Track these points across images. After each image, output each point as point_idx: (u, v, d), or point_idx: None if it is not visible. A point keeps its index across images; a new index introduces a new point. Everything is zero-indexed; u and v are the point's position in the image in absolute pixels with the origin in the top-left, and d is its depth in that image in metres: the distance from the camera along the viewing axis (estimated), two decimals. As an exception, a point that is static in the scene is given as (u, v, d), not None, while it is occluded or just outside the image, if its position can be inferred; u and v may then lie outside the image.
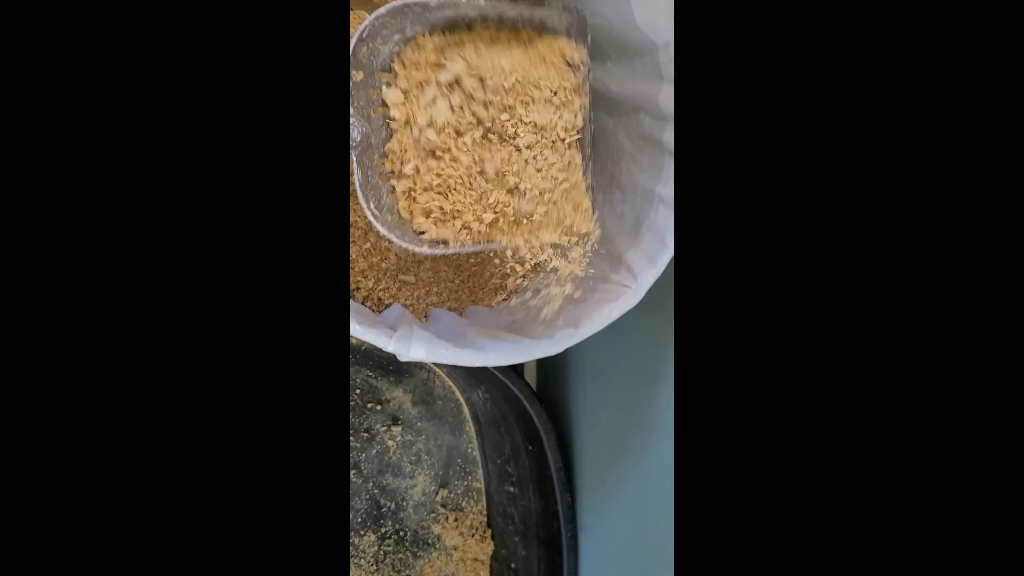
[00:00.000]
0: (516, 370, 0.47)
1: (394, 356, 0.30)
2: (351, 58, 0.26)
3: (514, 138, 0.28)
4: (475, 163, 0.27)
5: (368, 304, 0.38)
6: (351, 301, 0.36)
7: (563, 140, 0.29)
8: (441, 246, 0.27)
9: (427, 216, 0.27)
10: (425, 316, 0.40)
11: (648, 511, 0.40)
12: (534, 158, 0.28)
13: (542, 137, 0.28)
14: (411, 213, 0.27)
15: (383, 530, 0.53)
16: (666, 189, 0.35)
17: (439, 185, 0.27)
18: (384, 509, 0.53)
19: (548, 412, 0.47)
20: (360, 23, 0.37)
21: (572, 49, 0.28)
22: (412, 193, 0.27)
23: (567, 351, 0.33)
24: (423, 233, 0.28)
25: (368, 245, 0.38)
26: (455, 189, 0.27)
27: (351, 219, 0.37)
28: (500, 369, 0.44)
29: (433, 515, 0.54)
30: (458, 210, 0.28)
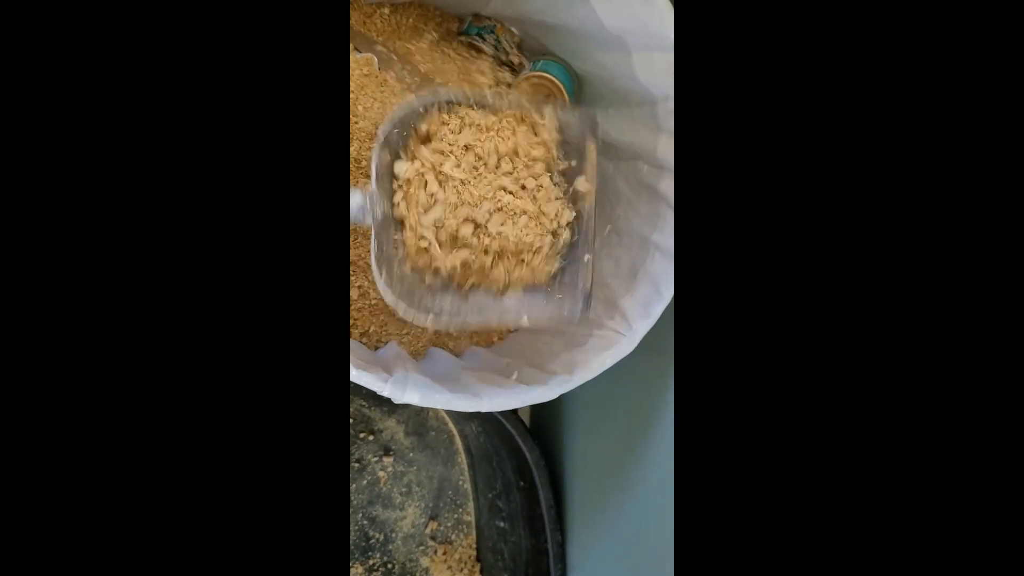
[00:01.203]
0: (510, 406, 0.47)
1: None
2: (383, 141, 0.28)
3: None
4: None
5: (363, 341, 0.38)
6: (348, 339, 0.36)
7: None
8: (446, 314, 0.30)
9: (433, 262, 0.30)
10: (421, 354, 0.40)
11: (638, 552, 0.40)
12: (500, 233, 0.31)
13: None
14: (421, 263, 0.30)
15: (371, 562, 0.53)
16: (662, 238, 0.36)
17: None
18: (373, 540, 0.53)
19: (541, 449, 0.47)
20: (366, 67, 0.37)
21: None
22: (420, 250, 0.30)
23: (561, 390, 0.34)
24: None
25: (366, 283, 0.38)
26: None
27: (352, 257, 0.37)
28: (494, 407, 0.44)
29: (422, 548, 0.53)
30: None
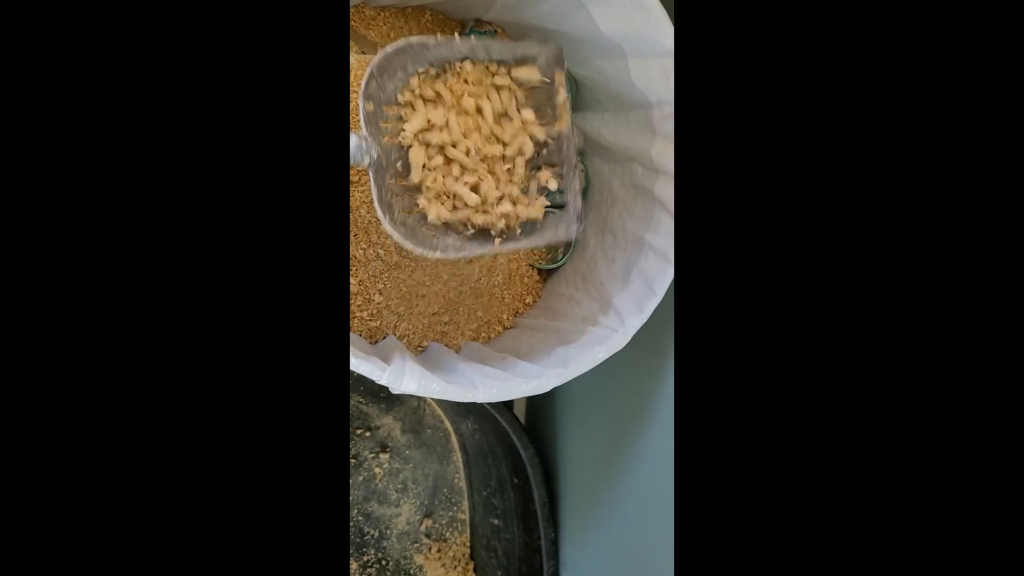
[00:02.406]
0: (506, 403, 0.48)
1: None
2: (364, 91, 0.30)
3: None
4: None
5: (363, 334, 0.39)
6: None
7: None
8: (451, 249, 0.32)
9: (442, 204, 0.33)
10: (419, 349, 0.41)
11: (630, 549, 0.41)
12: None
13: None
14: (431, 208, 0.32)
15: (365, 558, 0.53)
16: (656, 238, 0.37)
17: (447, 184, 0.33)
18: (367, 537, 0.53)
19: (535, 446, 0.48)
20: (368, 65, 0.38)
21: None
22: (429, 195, 0.32)
23: (556, 387, 0.34)
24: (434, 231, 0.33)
25: (366, 276, 0.39)
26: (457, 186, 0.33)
27: (351, 253, 0.38)
28: (489, 402, 0.45)
29: (416, 545, 0.54)
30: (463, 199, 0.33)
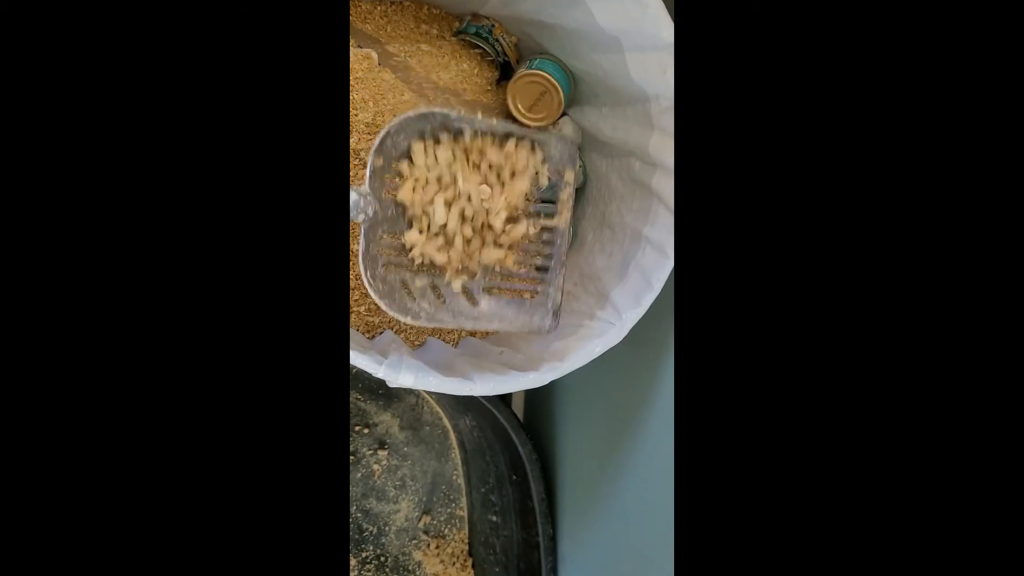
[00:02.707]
0: (504, 400, 0.48)
1: (384, 380, 0.31)
2: (377, 146, 0.30)
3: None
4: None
5: (360, 330, 0.39)
6: (345, 326, 0.37)
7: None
8: (423, 316, 0.32)
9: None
10: (416, 344, 0.41)
11: (627, 544, 0.41)
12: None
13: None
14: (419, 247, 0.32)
15: (364, 555, 0.53)
16: (653, 232, 0.37)
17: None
18: (366, 533, 0.53)
19: (533, 442, 0.48)
20: (365, 61, 0.38)
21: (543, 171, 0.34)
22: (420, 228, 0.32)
23: (554, 383, 0.34)
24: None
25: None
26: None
27: (349, 248, 0.38)
28: (488, 398, 0.45)
29: (415, 541, 0.54)
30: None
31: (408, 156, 0.31)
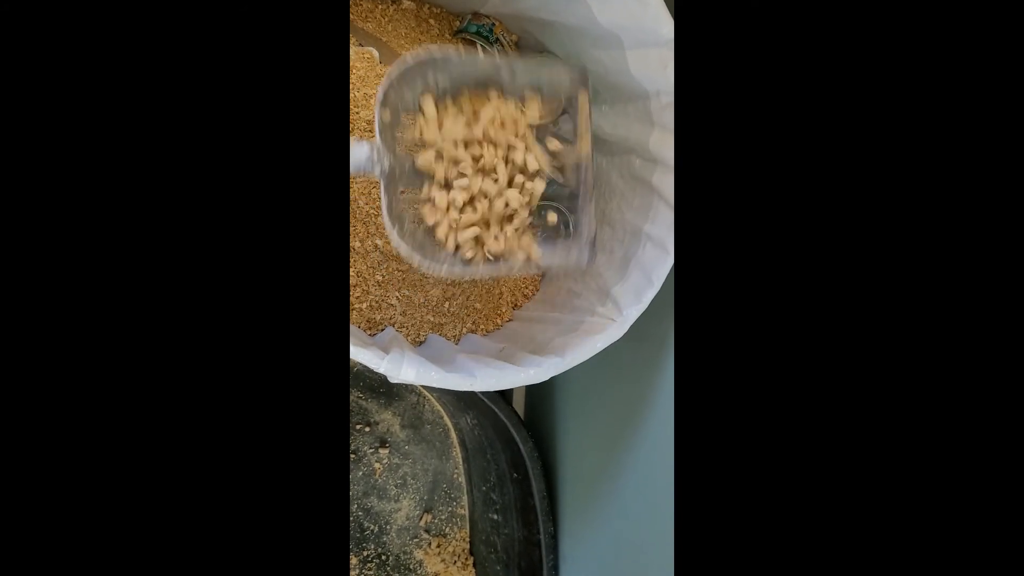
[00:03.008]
0: (505, 398, 0.48)
1: (385, 378, 0.31)
2: (382, 99, 0.29)
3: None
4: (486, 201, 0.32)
5: (362, 326, 0.39)
6: (346, 323, 0.37)
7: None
8: (458, 265, 0.31)
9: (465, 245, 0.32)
10: (418, 341, 0.41)
11: (628, 542, 0.41)
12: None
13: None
14: (455, 244, 0.32)
15: (365, 553, 0.53)
16: (654, 228, 0.37)
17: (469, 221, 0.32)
18: (367, 532, 0.53)
19: (534, 440, 0.48)
20: (366, 59, 0.39)
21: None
22: (451, 229, 0.31)
23: (554, 380, 0.34)
24: (467, 256, 0.32)
25: (364, 267, 0.39)
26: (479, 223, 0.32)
27: (349, 244, 0.38)
28: (489, 396, 0.45)
29: (416, 540, 0.54)
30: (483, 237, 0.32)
31: (419, 109, 0.30)
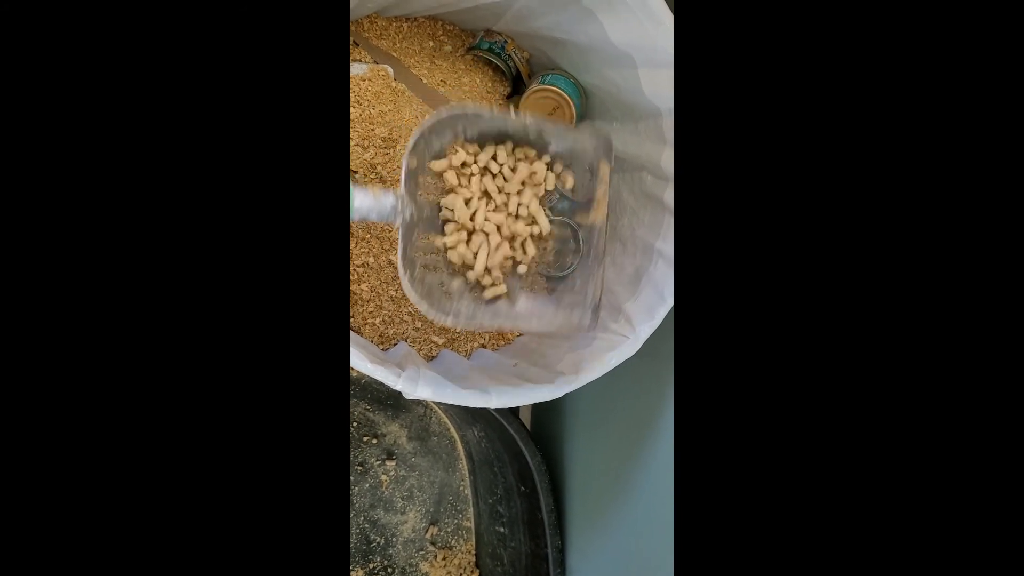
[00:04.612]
0: (512, 410, 0.48)
1: (392, 391, 0.31)
2: (412, 148, 0.30)
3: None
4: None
5: (375, 341, 0.39)
6: (360, 338, 0.37)
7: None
8: (463, 317, 0.31)
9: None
10: (430, 356, 0.41)
11: (637, 557, 0.41)
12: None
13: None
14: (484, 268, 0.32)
15: (371, 566, 0.53)
16: (666, 245, 0.37)
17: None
18: (373, 544, 0.53)
19: (542, 454, 0.48)
20: (381, 76, 0.39)
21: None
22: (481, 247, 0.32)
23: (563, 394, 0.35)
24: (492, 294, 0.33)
25: (378, 282, 0.39)
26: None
27: (364, 260, 0.38)
28: (497, 409, 0.45)
29: (422, 552, 0.54)
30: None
31: (443, 156, 0.31)
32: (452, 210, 0.31)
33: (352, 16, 0.41)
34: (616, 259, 0.41)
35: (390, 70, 0.39)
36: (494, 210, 0.31)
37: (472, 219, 0.31)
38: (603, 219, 0.33)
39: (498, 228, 0.31)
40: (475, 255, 0.31)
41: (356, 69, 0.39)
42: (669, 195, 0.38)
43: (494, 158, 0.31)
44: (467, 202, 0.31)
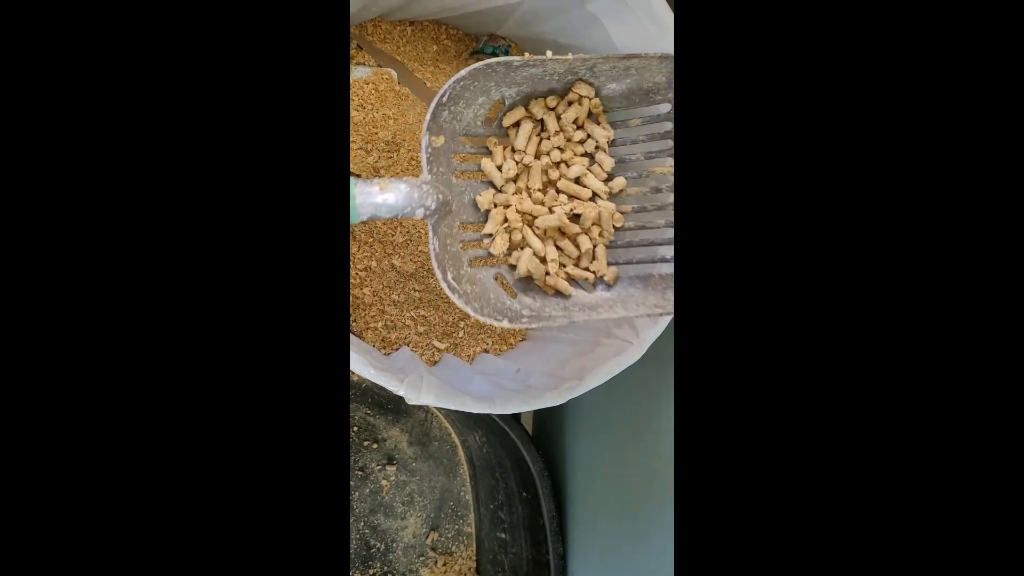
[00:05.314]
0: (514, 416, 0.48)
1: (393, 395, 0.31)
2: (427, 124, 0.24)
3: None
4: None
5: (377, 346, 0.39)
6: (362, 343, 0.37)
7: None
8: (522, 318, 0.25)
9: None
10: (432, 361, 0.41)
11: (639, 564, 0.41)
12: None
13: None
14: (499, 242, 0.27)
15: (371, 572, 0.53)
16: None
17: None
18: (373, 550, 0.53)
19: (544, 459, 0.48)
20: (385, 80, 0.39)
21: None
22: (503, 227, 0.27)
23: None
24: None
25: (380, 286, 0.39)
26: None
27: (366, 264, 0.38)
28: (498, 414, 0.45)
29: (422, 558, 0.53)
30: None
31: (478, 129, 0.25)
32: (492, 183, 0.25)
33: (356, 20, 0.41)
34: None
35: (394, 74, 0.39)
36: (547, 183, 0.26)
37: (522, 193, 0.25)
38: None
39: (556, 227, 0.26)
40: (524, 243, 0.25)
41: (360, 72, 0.39)
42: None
43: (552, 110, 0.25)
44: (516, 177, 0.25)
